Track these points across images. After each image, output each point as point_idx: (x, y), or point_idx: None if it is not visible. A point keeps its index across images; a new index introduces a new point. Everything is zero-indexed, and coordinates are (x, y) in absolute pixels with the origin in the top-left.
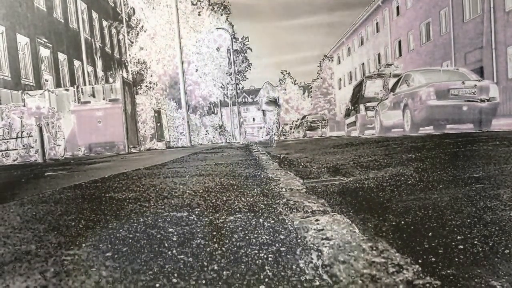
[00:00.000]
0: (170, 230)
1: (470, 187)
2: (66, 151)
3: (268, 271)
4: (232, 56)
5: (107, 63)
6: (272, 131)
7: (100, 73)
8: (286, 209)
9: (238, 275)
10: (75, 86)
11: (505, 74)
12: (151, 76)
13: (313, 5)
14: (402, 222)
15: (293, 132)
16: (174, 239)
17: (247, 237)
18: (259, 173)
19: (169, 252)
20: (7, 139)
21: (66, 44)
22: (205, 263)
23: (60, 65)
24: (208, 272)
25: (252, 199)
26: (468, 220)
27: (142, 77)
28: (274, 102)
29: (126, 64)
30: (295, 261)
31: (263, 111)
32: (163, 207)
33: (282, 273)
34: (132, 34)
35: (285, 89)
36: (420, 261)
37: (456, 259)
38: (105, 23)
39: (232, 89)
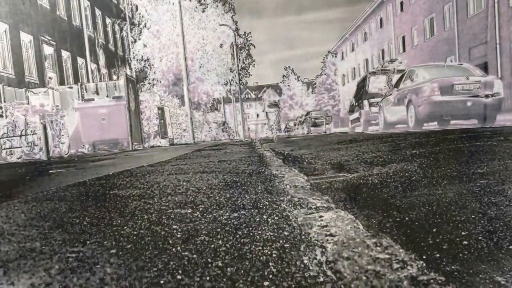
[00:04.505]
0: (174, 227)
1: (475, 182)
2: (70, 149)
3: (272, 267)
4: (235, 52)
5: (111, 60)
6: (274, 128)
7: (104, 70)
8: (290, 205)
9: (242, 271)
10: (79, 84)
11: (509, 69)
12: (155, 73)
13: (316, 1)
14: (406, 218)
15: (297, 128)
16: (178, 236)
17: (251, 234)
18: (263, 170)
19: (174, 249)
20: (11, 136)
21: (70, 42)
22: (209, 260)
23: (63, 62)
24: (212, 268)
25: (256, 196)
26: (473, 216)
27: (146, 74)
28: (275, 105)
29: (130, 61)
30: (299, 257)
31: (266, 113)
32: (167, 204)
33: (286, 270)
34: (135, 31)
35: (288, 85)
36: (424, 257)
37: (461, 254)
38: (108, 21)
39: (235, 86)
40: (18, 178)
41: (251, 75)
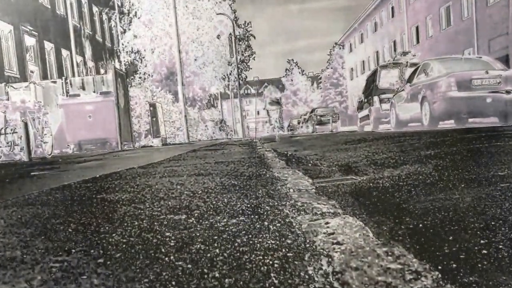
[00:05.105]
0: (167, 234)
1: (495, 186)
2: (53, 149)
3: (274, 278)
4: (234, 43)
5: (98, 53)
6: (276, 127)
7: (90, 64)
8: (294, 211)
9: (241, 283)
10: (63, 78)
11: None
12: (146, 66)
13: None
14: (420, 225)
15: (301, 127)
16: (172, 244)
17: (250, 242)
18: (264, 172)
19: (166, 258)
20: None
21: (53, 32)
22: (205, 270)
23: (46, 54)
24: (208, 279)
25: (256, 201)
26: (493, 223)
27: (136, 68)
28: (276, 102)
29: (119, 53)
30: (303, 267)
31: (267, 110)
32: (159, 209)
33: (289, 281)
34: (125, 21)
35: (292, 80)
36: (440, 267)
37: (479, 265)
38: (95, 9)
39: (233, 80)
40: None
41: (251, 68)
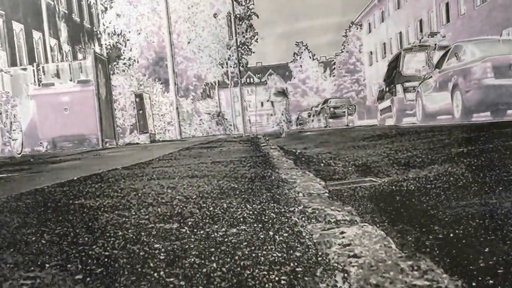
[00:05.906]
0: (157, 246)
1: None
2: (24, 147)
3: None
4: (233, 23)
5: (75, 35)
6: (282, 121)
7: (66, 48)
8: (303, 219)
9: None
10: (35, 64)
11: None
12: (131, 50)
13: None
14: (451, 235)
15: (312, 120)
16: (162, 257)
17: (253, 255)
18: (268, 174)
19: (156, 274)
20: None
21: (23, 11)
22: None
23: (15, 37)
24: None
25: (259, 207)
26: None
27: (120, 52)
28: (282, 92)
29: (99, 35)
30: (315, 284)
31: (272, 102)
32: (147, 217)
33: None
34: None
35: (301, 66)
36: (474, 284)
37: None
38: None
39: (233, 66)
40: None
41: (253, 52)
